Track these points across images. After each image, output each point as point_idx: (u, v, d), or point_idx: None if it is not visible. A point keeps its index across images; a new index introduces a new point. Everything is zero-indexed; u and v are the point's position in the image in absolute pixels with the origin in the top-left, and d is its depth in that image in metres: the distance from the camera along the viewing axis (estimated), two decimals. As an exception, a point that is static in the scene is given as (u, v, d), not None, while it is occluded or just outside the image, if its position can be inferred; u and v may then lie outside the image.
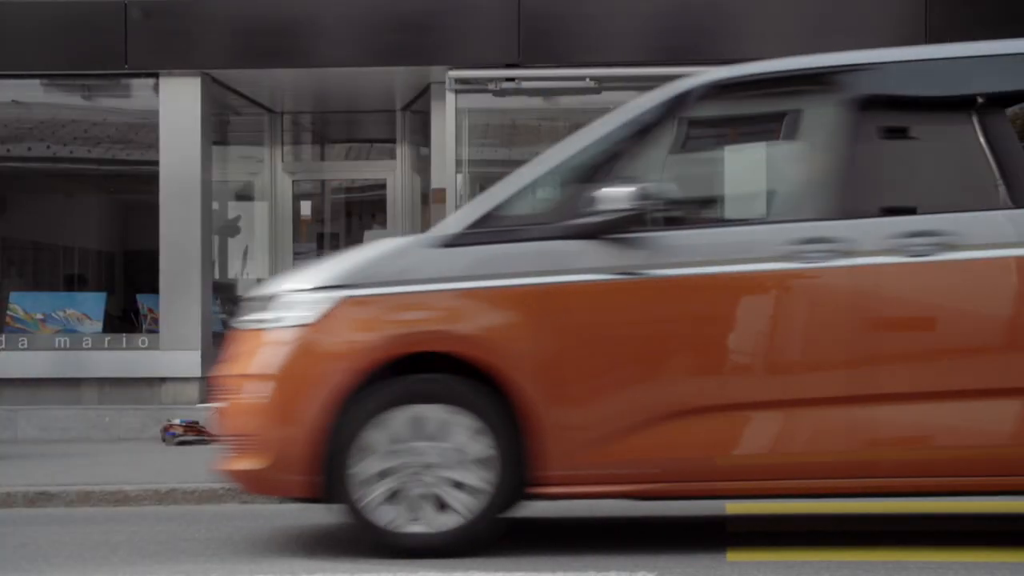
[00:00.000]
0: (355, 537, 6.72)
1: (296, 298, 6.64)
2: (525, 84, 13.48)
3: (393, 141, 15.82)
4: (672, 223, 6.76)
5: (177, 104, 13.62)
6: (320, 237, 16.40)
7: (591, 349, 6.48)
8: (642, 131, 6.74)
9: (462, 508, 6.50)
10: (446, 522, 6.51)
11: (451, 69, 13.41)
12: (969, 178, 6.74)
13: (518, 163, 15.49)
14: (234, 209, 15.94)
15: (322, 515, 8.32)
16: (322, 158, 16.83)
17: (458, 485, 6.50)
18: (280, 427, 6.55)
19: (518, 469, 6.47)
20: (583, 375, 6.48)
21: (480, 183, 14.00)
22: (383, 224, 15.90)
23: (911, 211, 6.61)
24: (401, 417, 6.50)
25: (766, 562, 6.45)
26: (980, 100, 6.66)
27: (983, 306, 6.45)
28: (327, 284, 6.63)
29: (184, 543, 7.52)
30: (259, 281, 15.50)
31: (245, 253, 15.91)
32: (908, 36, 12.99)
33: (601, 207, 6.44)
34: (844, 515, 7.92)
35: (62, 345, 13.70)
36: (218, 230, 15.01)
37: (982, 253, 6.45)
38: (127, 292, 15.22)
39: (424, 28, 13.36)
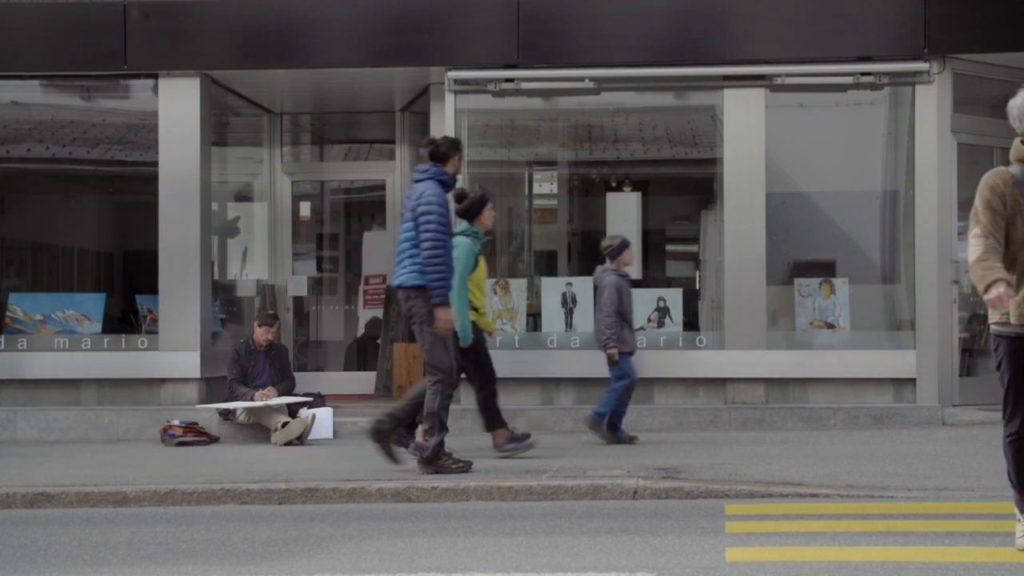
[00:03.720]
0: (357, 536, 6.70)
1: None
2: (524, 85, 13.47)
3: (392, 142, 15.80)
4: None
5: (176, 105, 13.60)
6: (319, 238, 16.38)
7: None
8: None
9: None
10: None
11: (450, 70, 13.40)
12: None
13: (517, 164, 15.51)
14: (233, 210, 15.91)
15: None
16: (321, 159, 16.81)
17: None
18: None
19: None
20: None
21: (479, 184, 14.00)
22: (382, 225, 15.90)
23: None
24: None
25: (766, 562, 6.45)
26: None
27: None
28: None
29: (183, 544, 7.52)
30: (258, 282, 15.50)
31: (244, 254, 15.88)
32: (907, 36, 13.00)
33: None
34: (844, 515, 7.91)
35: (61, 346, 13.68)
36: (217, 231, 14.98)
37: None
38: (126, 293, 15.22)
39: (424, 29, 13.35)
